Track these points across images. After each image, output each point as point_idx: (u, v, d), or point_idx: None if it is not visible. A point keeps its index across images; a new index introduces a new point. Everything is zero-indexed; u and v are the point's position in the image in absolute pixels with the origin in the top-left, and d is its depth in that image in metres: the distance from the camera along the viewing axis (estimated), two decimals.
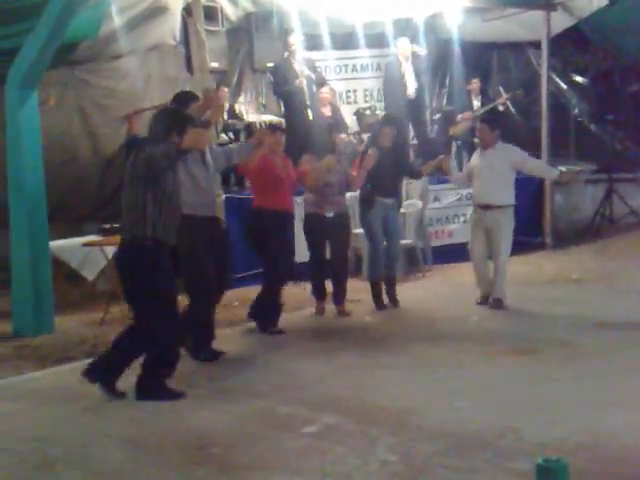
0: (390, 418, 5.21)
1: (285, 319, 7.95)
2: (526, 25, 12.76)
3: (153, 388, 5.70)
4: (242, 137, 10.75)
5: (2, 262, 8.59)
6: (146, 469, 4.55)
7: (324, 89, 11.37)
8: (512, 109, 14.08)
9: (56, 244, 8.84)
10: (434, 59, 13.38)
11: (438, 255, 10.81)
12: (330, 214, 8.23)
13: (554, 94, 13.41)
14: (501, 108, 12.80)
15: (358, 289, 9.17)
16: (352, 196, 9.37)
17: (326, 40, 11.87)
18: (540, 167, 8.99)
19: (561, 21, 12.35)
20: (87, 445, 4.93)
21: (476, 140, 9.40)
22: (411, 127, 12.31)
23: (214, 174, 6.96)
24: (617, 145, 14.00)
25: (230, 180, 10.29)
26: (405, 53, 11.86)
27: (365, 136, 10.43)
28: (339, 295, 8.42)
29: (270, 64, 11.54)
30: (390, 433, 4.92)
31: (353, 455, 4.59)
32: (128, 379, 5.83)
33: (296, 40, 11.20)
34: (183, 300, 6.50)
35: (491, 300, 8.46)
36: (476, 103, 12.57)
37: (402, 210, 9.77)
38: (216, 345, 6.85)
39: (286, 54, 11.27)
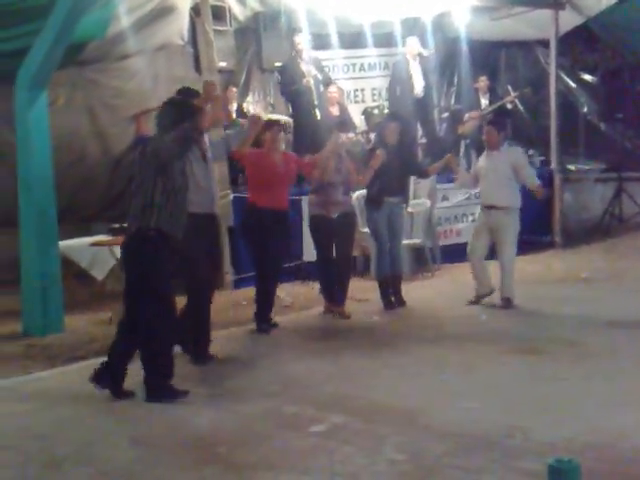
0: (398, 417, 5.21)
1: (293, 318, 7.96)
2: (534, 24, 12.73)
3: (157, 387, 5.69)
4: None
5: (11, 262, 8.61)
6: (153, 468, 4.55)
7: (332, 88, 11.37)
8: (521, 108, 14.06)
9: (65, 244, 8.85)
10: (442, 58, 13.37)
11: (447, 254, 10.79)
12: (334, 215, 8.21)
13: (563, 93, 13.38)
14: (509, 106, 12.78)
15: (366, 288, 9.17)
16: (359, 194, 9.36)
17: (334, 39, 11.89)
18: (531, 177, 8.80)
19: (570, 19, 12.33)
20: (94, 444, 4.94)
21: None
22: (419, 126, 12.30)
23: (213, 170, 7.02)
24: (627, 144, 13.94)
25: (239, 180, 10.29)
26: (413, 52, 11.85)
27: (373, 135, 10.42)
28: (340, 296, 8.39)
29: (278, 63, 11.54)
30: (398, 432, 4.92)
31: (360, 454, 4.59)
32: (134, 379, 5.84)
33: (303, 40, 11.20)
34: (181, 300, 6.49)
35: (500, 300, 8.45)
36: (484, 101, 12.55)
37: (410, 209, 9.75)
38: (220, 345, 6.85)
39: (293, 53, 11.27)
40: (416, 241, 10.26)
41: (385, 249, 8.61)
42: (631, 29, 12.76)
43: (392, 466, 4.42)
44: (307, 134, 10.39)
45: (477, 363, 6.42)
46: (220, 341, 7.07)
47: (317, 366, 6.52)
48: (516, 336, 7.28)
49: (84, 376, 5.91)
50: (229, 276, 9.59)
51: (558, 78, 12.59)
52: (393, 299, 8.64)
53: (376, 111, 11.75)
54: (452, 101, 14.11)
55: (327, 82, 11.55)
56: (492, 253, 8.74)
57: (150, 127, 11.19)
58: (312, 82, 11.03)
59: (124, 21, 9.82)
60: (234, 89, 11.01)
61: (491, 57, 14.52)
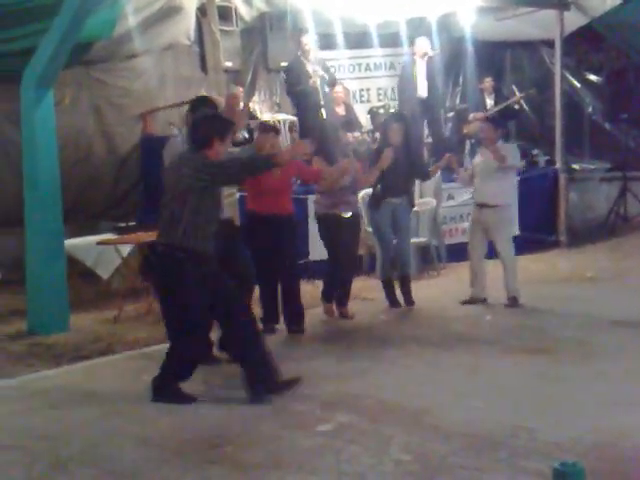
0: (404, 417, 5.21)
1: None
2: (539, 24, 12.72)
3: (166, 390, 5.68)
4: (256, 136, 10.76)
5: (17, 261, 8.63)
6: (159, 468, 4.56)
7: (338, 88, 11.38)
8: (526, 108, 14.06)
9: (70, 242, 8.87)
10: (447, 58, 13.36)
11: (452, 253, 10.77)
12: (348, 214, 8.16)
13: (568, 93, 13.37)
14: (516, 107, 12.77)
15: (372, 287, 9.17)
16: (364, 194, 9.34)
17: (340, 39, 11.90)
18: (513, 158, 8.78)
19: (574, 20, 12.32)
20: (100, 444, 4.95)
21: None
22: (426, 126, 12.29)
23: None
24: (631, 143, 13.96)
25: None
26: (421, 52, 11.84)
27: (378, 135, 10.41)
28: (343, 297, 8.34)
29: (284, 63, 11.56)
30: (404, 432, 4.92)
31: (367, 454, 4.59)
32: (142, 377, 5.86)
33: (309, 40, 11.21)
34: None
35: (506, 299, 8.45)
36: (489, 102, 12.56)
37: (416, 208, 9.74)
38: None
39: (299, 53, 11.28)
40: (422, 240, 10.26)
41: (388, 249, 8.59)
42: (636, 29, 12.76)
43: (399, 466, 4.43)
44: (313, 134, 10.37)
45: (482, 363, 6.42)
46: None
47: (323, 365, 6.53)
48: (521, 336, 7.28)
49: (90, 375, 5.92)
50: None
51: (563, 78, 12.56)
52: (402, 299, 8.61)
53: (382, 111, 11.74)
54: (457, 101, 14.10)
55: (333, 82, 11.56)
56: (491, 251, 8.74)
57: (156, 126, 11.31)
58: (318, 82, 11.04)
59: (131, 21, 9.85)
60: (240, 89, 11.02)
61: (496, 57, 14.51)
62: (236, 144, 8.61)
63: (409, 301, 8.64)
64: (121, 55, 10.79)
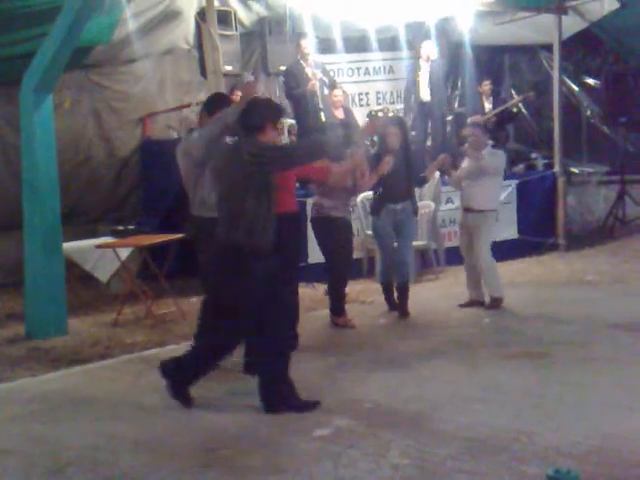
0: (403, 421, 5.21)
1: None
2: (538, 28, 12.74)
3: (173, 389, 5.64)
4: None
5: (16, 264, 8.63)
6: (157, 472, 4.56)
7: (337, 92, 11.38)
8: (524, 111, 14.07)
9: (69, 246, 8.87)
10: (446, 62, 13.36)
11: (451, 256, 10.77)
12: (350, 216, 8.13)
13: (566, 96, 13.40)
14: (515, 110, 12.79)
15: (372, 291, 9.17)
16: (364, 197, 9.34)
17: (339, 43, 11.91)
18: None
19: (572, 24, 12.36)
20: (98, 449, 4.94)
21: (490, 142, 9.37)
22: (430, 130, 12.28)
23: None
24: (629, 147, 13.98)
25: None
26: (426, 56, 11.84)
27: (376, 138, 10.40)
28: (341, 305, 8.16)
29: (283, 67, 11.57)
30: (403, 436, 4.92)
31: (365, 459, 4.59)
32: (140, 381, 5.85)
33: (308, 44, 11.21)
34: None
35: (488, 300, 8.47)
36: (488, 105, 12.56)
37: None
38: None
39: (298, 57, 11.29)
40: (421, 243, 10.26)
41: (388, 254, 8.52)
42: (633, 34, 12.79)
43: (397, 470, 4.42)
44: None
45: (482, 366, 6.42)
46: None
47: (322, 369, 6.52)
48: (520, 339, 7.27)
49: (88, 379, 5.91)
50: None
51: (561, 82, 12.59)
52: (397, 309, 8.48)
53: (381, 114, 11.74)
54: (456, 104, 14.11)
55: (332, 86, 11.56)
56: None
57: (156, 130, 11.33)
58: (317, 86, 11.05)
59: (130, 25, 9.89)
60: (239, 93, 11.01)
61: (495, 61, 14.54)
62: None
63: (403, 312, 8.40)
64: (120, 59, 10.81)
